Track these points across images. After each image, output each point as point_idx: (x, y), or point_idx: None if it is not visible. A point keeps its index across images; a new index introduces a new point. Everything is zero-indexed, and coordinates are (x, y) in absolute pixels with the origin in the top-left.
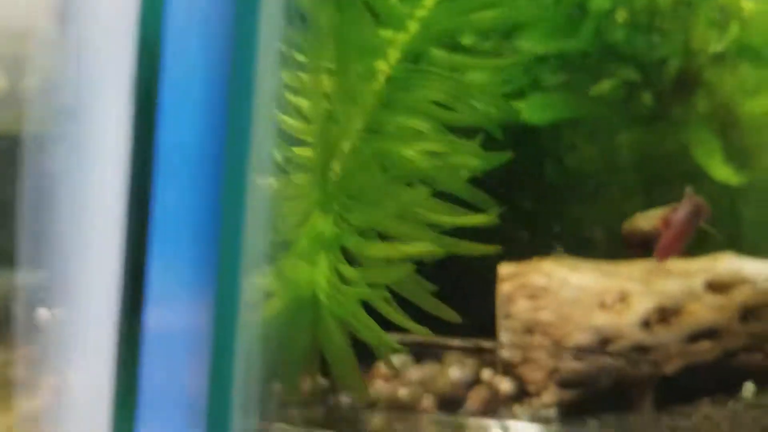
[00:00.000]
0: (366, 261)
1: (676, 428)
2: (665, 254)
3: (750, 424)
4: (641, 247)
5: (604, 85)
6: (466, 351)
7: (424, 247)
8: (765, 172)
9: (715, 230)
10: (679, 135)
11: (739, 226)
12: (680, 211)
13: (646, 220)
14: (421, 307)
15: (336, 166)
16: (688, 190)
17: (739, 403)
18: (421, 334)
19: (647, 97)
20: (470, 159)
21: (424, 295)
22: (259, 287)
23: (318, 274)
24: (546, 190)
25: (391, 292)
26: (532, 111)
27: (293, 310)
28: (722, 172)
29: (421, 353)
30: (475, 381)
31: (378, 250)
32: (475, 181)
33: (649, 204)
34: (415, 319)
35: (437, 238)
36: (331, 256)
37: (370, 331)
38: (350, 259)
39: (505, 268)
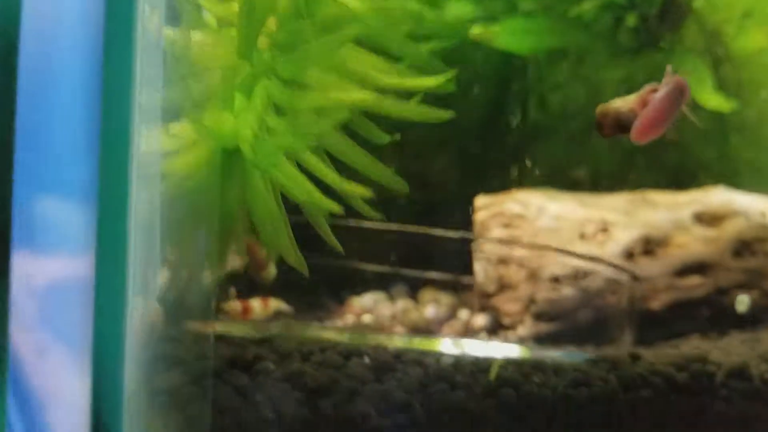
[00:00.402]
0: (294, 112)
1: (661, 358)
2: (643, 134)
3: (745, 353)
4: (616, 128)
5: (586, 6)
6: (442, 285)
7: (358, 96)
8: (757, 108)
9: (696, 117)
10: (667, 64)
11: (732, 163)
12: (660, 91)
13: (623, 101)
14: (362, 172)
15: (265, 16)
16: (669, 68)
17: (733, 337)
18: (357, 196)
19: (633, 21)
20: (414, 4)
21: (363, 157)
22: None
23: (243, 125)
24: (529, 130)
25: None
26: (509, 37)
27: (215, 164)
28: (713, 100)
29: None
30: (451, 317)
31: (306, 100)
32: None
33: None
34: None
35: (377, 98)
36: (257, 107)
37: (297, 185)
38: (279, 112)
39: (481, 199)
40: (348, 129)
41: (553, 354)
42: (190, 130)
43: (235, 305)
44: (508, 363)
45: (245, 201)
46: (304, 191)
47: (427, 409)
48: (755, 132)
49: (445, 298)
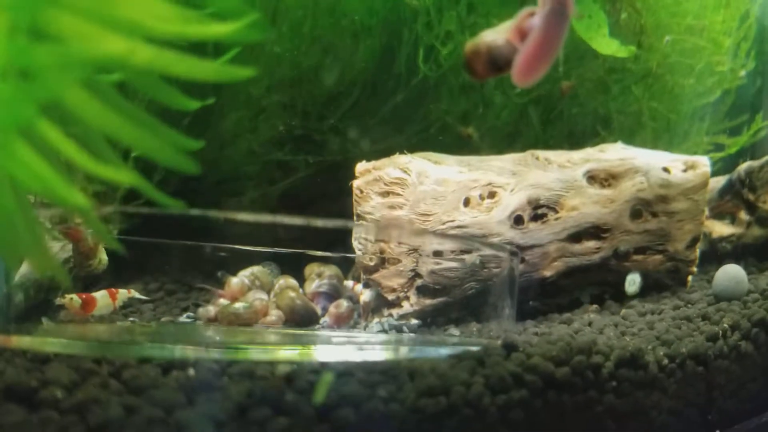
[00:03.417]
0: (30, 71)
1: (552, 335)
2: (527, 71)
3: (643, 332)
4: (491, 67)
5: None
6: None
7: (115, 48)
8: (659, 54)
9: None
10: None
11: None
12: (538, 14)
13: (496, 32)
14: (135, 147)
15: None
16: None
17: (633, 309)
18: (122, 182)
19: None
20: None
21: (128, 129)
22: None
23: None
24: (419, 84)
25: None
26: None
27: None
28: (608, 46)
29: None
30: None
31: (46, 54)
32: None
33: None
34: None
35: (152, 52)
36: None
37: (36, 176)
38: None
39: (361, 166)
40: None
41: (410, 353)
42: None
43: (72, 300)
44: (356, 370)
45: None
46: (41, 181)
47: None
48: (659, 80)
49: (328, 272)
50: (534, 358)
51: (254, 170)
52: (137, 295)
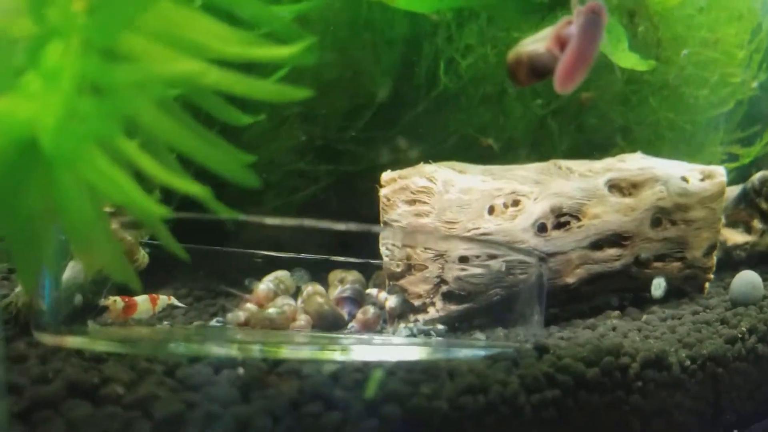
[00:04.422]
0: (108, 89)
1: (579, 339)
2: (568, 79)
3: (665, 335)
4: (532, 75)
5: None
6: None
7: (185, 69)
8: (675, 66)
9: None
10: None
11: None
12: (575, 23)
13: (535, 42)
14: (200, 162)
15: None
16: None
17: (653, 314)
18: (194, 193)
19: None
20: None
21: (198, 143)
22: None
23: (44, 112)
24: (441, 96)
25: None
26: None
27: (8, 160)
28: (628, 59)
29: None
30: (359, 301)
31: (120, 74)
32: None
33: (557, 106)
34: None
35: (215, 72)
36: (65, 87)
37: (111, 183)
38: (96, 92)
39: (387, 175)
40: (198, 111)
41: (448, 354)
42: None
43: (116, 302)
44: (397, 369)
45: (52, 205)
46: (121, 191)
47: None
48: (675, 92)
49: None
50: (565, 360)
51: (276, 179)
52: (176, 302)
